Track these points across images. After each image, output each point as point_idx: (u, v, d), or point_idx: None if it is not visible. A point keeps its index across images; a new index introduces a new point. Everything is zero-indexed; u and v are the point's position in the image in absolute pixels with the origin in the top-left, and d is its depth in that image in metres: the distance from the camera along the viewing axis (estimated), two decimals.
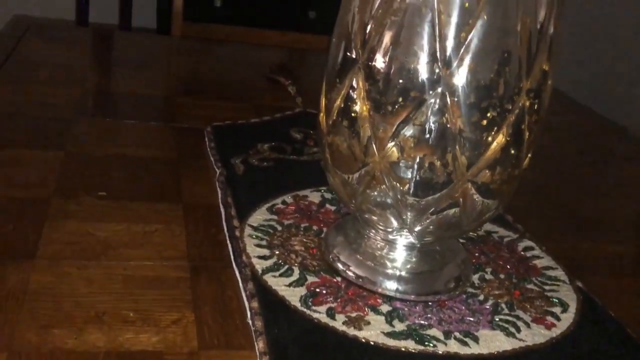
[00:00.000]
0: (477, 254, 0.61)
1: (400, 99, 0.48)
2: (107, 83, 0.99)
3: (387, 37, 0.48)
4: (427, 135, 0.48)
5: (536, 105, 0.49)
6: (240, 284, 0.51)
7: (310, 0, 2.48)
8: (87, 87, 0.94)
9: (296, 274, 0.53)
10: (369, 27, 0.49)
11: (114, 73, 1.04)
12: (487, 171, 0.49)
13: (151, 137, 0.80)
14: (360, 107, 0.50)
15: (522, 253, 0.63)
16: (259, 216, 0.62)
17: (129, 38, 1.31)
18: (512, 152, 0.49)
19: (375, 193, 0.51)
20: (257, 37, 1.50)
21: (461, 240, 0.62)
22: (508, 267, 0.60)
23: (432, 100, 0.47)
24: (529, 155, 0.51)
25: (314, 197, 0.67)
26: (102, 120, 0.82)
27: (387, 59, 0.48)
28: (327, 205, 0.66)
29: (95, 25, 1.23)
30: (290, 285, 0.52)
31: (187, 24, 1.43)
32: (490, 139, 0.48)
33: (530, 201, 0.76)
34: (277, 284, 0.52)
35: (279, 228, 0.60)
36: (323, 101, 0.54)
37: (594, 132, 1.11)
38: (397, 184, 0.50)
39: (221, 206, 0.63)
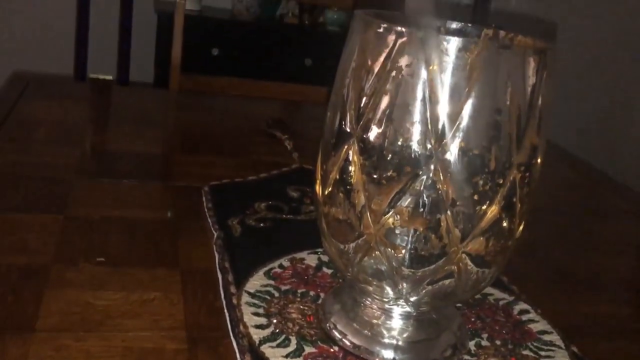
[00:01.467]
0: (473, 319, 0.62)
1: (395, 174, 0.49)
2: (105, 141, 1.00)
3: (380, 113, 0.49)
4: (421, 209, 0.49)
5: (527, 178, 0.50)
6: (238, 356, 0.52)
7: (306, 48, 2.53)
8: (86, 146, 0.95)
9: (293, 344, 0.54)
10: (362, 102, 0.51)
11: (112, 130, 1.05)
12: (481, 243, 0.50)
13: (149, 197, 0.81)
14: (355, 179, 0.51)
15: (517, 317, 0.63)
16: (256, 281, 0.63)
17: (126, 93, 1.33)
18: (505, 224, 0.50)
19: (371, 263, 0.52)
20: (255, 88, 1.52)
21: (457, 304, 0.63)
22: (504, 332, 0.60)
23: (426, 175, 0.48)
24: (522, 225, 0.52)
25: (311, 259, 0.68)
26: (100, 181, 0.83)
27: (380, 135, 0.49)
28: (324, 269, 0.67)
29: (94, 80, 1.25)
30: (287, 356, 0.52)
31: (185, 77, 1.45)
32: (483, 211, 0.49)
33: (524, 261, 0.77)
34: (275, 355, 0.52)
35: (276, 294, 0.61)
36: (319, 171, 0.55)
37: (586, 186, 1.12)
38: (393, 256, 0.50)
39: (218, 272, 0.64)
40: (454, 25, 0.60)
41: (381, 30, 0.48)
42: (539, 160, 0.51)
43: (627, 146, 3.17)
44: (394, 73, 0.48)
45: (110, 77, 1.77)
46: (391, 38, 0.48)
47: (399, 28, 0.47)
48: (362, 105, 0.50)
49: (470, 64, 0.46)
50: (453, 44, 0.46)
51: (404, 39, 0.47)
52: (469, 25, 0.59)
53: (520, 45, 0.53)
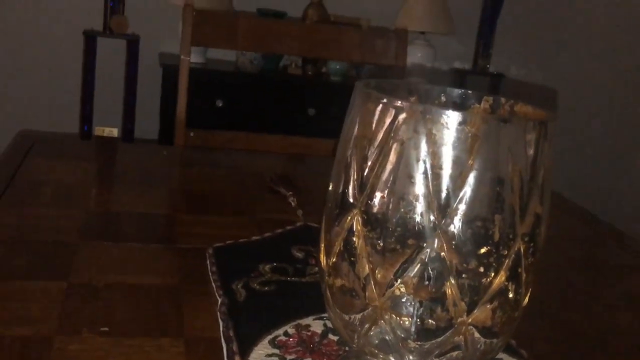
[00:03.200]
0: None
1: (399, 245, 0.49)
2: (109, 201, 1.00)
3: (382, 185, 0.49)
4: (426, 282, 0.48)
5: (532, 248, 0.50)
6: None
7: (309, 98, 2.55)
8: (91, 207, 0.95)
9: None
10: (365, 172, 0.51)
11: (116, 190, 1.06)
12: (487, 314, 0.49)
13: (153, 261, 0.80)
14: (359, 250, 0.51)
15: None
16: (261, 350, 0.62)
17: (131, 151, 1.34)
18: (511, 295, 0.50)
19: (378, 335, 0.51)
20: (259, 142, 1.53)
21: None
22: None
23: (430, 248, 0.48)
24: (528, 294, 0.52)
25: (317, 326, 0.67)
26: (105, 244, 0.83)
27: (384, 206, 0.49)
28: (330, 336, 0.66)
29: (99, 138, 1.26)
30: None
31: (189, 132, 1.46)
32: (488, 283, 0.49)
33: (533, 321, 0.76)
34: None
35: None
36: (323, 241, 0.55)
37: (591, 238, 1.11)
38: (399, 328, 0.50)
39: (223, 341, 0.63)
40: (455, 91, 0.60)
41: (381, 104, 0.49)
42: (543, 230, 0.51)
43: (627, 192, 3.17)
44: (395, 145, 0.48)
45: (115, 133, 1.79)
46: (391, 112, 0.48)
47: (399, 103, 0.47)
48: (364, 175, 0.51)
49: (471, 137, 0.46)
50: (453, 117, 0.46)
51: (404, 113, 0.47)
52: (469, 92, 0.59)
53: (521, 118, 0.54)
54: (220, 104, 2.46)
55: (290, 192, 1.07)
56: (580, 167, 3.11)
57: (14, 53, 2.69)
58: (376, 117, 0.50)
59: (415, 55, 2.63)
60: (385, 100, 0.48)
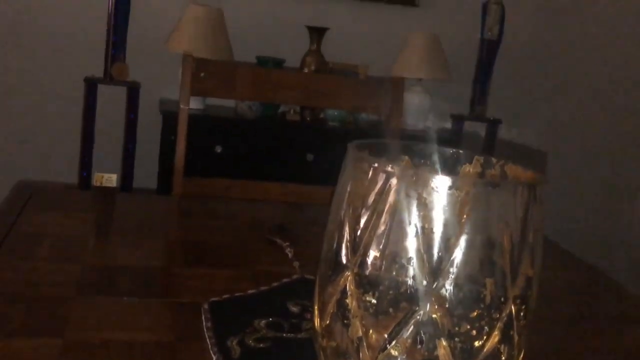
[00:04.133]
0: None
1: (391, 309, 0.49)
2: (107, 254, 1.00)
3: (375, 247, 0.50)
4: (419, 345, 0.48)
5: (523, 311, 0.50)
6: None
7: (307, 143, 2.57)
8: (88, 260, 0.95)
9: None
10: (358, 234, 0.52)
11: (114, 242, 1.06)
12: None
13: (149, 316, 0.80)
14: (352, 312, 0.51)
15: None
16: None
17: (130, 200, 1.35)
18: (504, 357, 0.50)
19: None
20: (257, 189, 1.54)
21: None
22: None
23: (422, 311, 0.48)
24: (521, 356, 0.52)
25: None
26: (101, 299, 0.83)
27: (376, 270, 0.50)
28: None
29: (97, 189, 1.27)
30: None
31: (188, 180, 1.47)
32: (481, 345, 0.49)
33: None
34: None
35: None
36: (317, 302, 0.55)
37: (588, 290, 1.11)
38: None
39: None
40: (447, 151, 0.61)
41: (372, 168, 0.50)
42: (534, 291, 0.51)
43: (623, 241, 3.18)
44: (387, 208, 0.49)
45: (113, 179, 1.80)
46: (383, 175, 0.49)
47: (390, 167, 0.48)
48: (357, 237, 0.51)
49: (461, 201, 0.47)
50: (443, 182, 0.47)
51: (396, 178, 0.48)
52: (460, 151, 0.60)
53: (510, 182, 0.55)
54: (219, 150, 2.48)
55: (287, 243, 1.08)
56: (576, 215, 3.12)
57: (15, 99, 2.72)
58: (368, 179, 0.51)
59: (413, 101, 2.66)
60: (376, 165, 0.49)
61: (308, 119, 2.66)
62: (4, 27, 2.66)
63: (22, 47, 2.69)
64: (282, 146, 2.55)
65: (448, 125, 2.84)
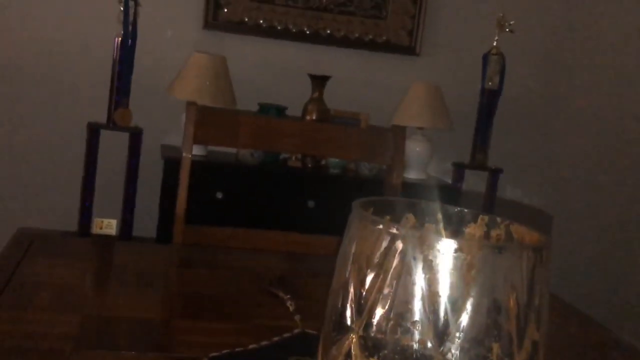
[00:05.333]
0: None
1: None
2: (105, 306, 0.99)
3: (380, 309, 0.49)
4: None
5: None
6: None
7: (308, 190, 2.58)
8: (86, 312, 0.94)
9: None
10: (362, 295, 0.51)
11: (113, 293, 1.05)
12: None
13: None
14: None
15: None
16: None
17: (129, 250, 1.34)
18: None
19: None
20: (258, 238, 1.53)
21: None
22: None
23: None
24: None
25: None
26: (99, 352, 0.82)
27: (381, 332, 0.49)
28: None
29: (97, 237, 1.27)
30: None
31: (188, 228, 1.46)
32: None
33: None
34: None
35: None
36: None
37: (591, 344, 1.10)
38: None
39: None
40: (451, 209, 0.61)
41: (377, 229, 0.50)
42: (540, 356, 0.50)
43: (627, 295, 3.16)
44: (392, 270, 0.49)
45: (113, 225, 1.80)
46: (388, 237, 0.49)
47: (395, 229, 0.48)
48: (362, 298, 0.51)
49: (467, 264, 0.47)
50: (449, 244, 0.47)
51: (401, 240, 0.48)
52: (465, 210, 0.60)
53: (516, 246, 0.54)
54: (220, 196, 2.48)
55: (289, 296, 1.07)
56: (579, 269, 3.10)
57: (16, 144, 2.73)
58: (374, 240, 0.50)
59: (414, 149, 2.67)
60: (381, 226, 0.49)
61: (310, 165, 2.67)
62: (7, 71, 2.69)
63: (25, 91, 2.71)
64: (284, 193, 2.55)
65: (449, 173, 2.85)
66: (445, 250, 0.47)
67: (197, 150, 2.54)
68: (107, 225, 2.07)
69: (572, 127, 3.15)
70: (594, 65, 3.13)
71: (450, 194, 2.69)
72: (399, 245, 0.48)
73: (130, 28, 2.50)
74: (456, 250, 0.47)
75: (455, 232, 0.58)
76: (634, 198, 3.19)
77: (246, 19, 2.83)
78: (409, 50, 2.96)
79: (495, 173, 2.78)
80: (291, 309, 1.03)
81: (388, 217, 0.58)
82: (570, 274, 2.98)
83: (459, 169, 2.78)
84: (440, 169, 2.93)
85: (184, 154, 1.51)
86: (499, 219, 0.58)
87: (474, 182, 2.87)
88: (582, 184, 3.16)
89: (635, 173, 3.17)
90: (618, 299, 3.13)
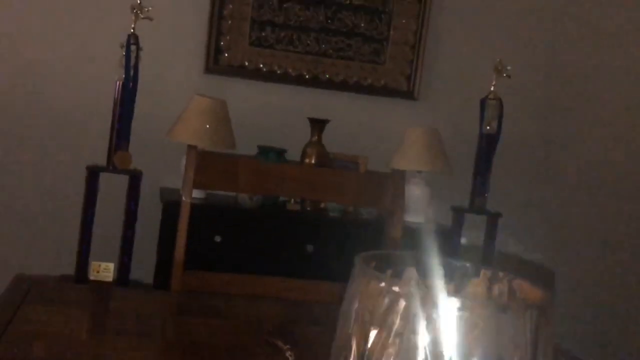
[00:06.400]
0: None
1: None
2: (102, 357, 0.98)
3: None
4: None
5: None
6: None
7: (307, 234, 2.57)
8: None
9: None
10: (366, 351, 0.50)
11: (109, 344, 1.04)
12: None
13: None
14: None
15: None
16: None
17: (126, 297, 1.32)
18: None
19: None
20: (256, 285, 1.52)
21: None
22: None
23: None
24: None
25: None
26: None
27: None
28: None
29: (94, 283, 1.26)
30: None
31: (187, 273, 1.46)
32: None
33: None
34: None
35: None
36: None
37: None
38: None
39: None
40: (453, 263, 0.61)
41: (380, 287, 0.49)
42: None
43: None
44: (395, 327, 0.48)
45: (111, 269, 1.79)
46: (391, 295, 0.49)
47: (397, 289, 0.48)
48: (365, 356, 0.50)
49: (471, 323, 0.46)
50: (452, 303, 0.47)
51: (404, 299, 0.48)
52: (467, 264, 0.60)
53: (519, 305, 0.54)
54: (219, 240, 2.47)
55: (288, 346, 1.05)
56: (586, 320, 3.08)
57: (14, 187, 2.73)
58: (376, 297, 0.50)
59: (413, 193, 2.68)
60: (383, 284, 0.49)
61: (309, 208, 2.67)
62: (7, 113, 2.70)
63: (25, 133, 2.72)
64: (282, 236, 2.54)
65: (448, 217, 2.84)
66: (449, 309, 0.46)
67: (196, 193, 2.53)
68: (105, 269, 2.05)
69: (571, 171, 3.16)
70: (591, 108, 3.16)
71: (450, 239, 2.69)
72: (402, 303, 0.48)
73: (131, 72, 2.52)
74: (460, 309, 0.46)
75: (457, 286, 0.58)
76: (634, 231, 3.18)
77: (246, 63, 2.86)
78: (407, 94, 2.98)
79: (494, 217, 2.78)
80: (290, 359, 1.02)
81: (390, 271, 0.57)
82: (573, 323, 2.95)
83: (458, 213, 2.77)
84: (440, 212, 2.92)
85: (183, 199, 1.51)
86: (501, 274, 0.58)
87: (474, 225, 2.87)
88: (581, 227, 3.15)
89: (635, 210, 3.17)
90: (621, 349, 3.10)
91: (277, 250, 2.52)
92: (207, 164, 1.54)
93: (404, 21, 2.95)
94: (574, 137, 3.15)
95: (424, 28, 2.96)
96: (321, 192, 1.66)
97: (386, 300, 0.49)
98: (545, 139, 3.12)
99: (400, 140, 2.76)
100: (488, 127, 2.75)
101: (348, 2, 2.91)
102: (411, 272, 0.57)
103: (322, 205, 2.71)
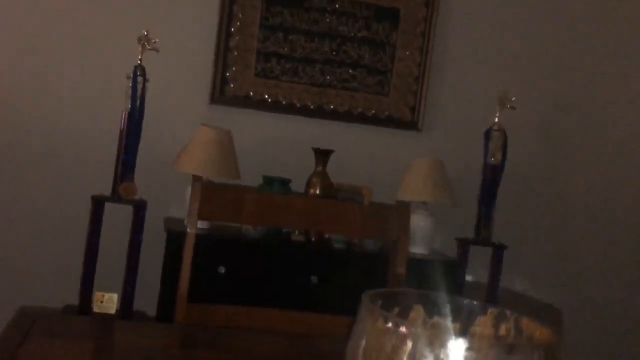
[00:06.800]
0: None
1: None
2: None
3: None
4: None
5: None
6: None
7: (312, 265, 2.56)
8: None
9: None
10: None
11: None
12: None
13: None
14: None
15: None
16: None
17: (130, 330, 1.32)
18: None
19: None
20: (261, 317, 1.51)
21: None
22: None
23: None
24: None
25: None
26: None
27: None
28: None
29: (97, 315, 1.26)
30: None
31: (190, 306, 1.45)
32: None
33: None
34: None
35: None
36: None
37: None
38: None
39: None
40: (460, 301, 0.60)
41: (387, 327, 0.49)
42: None
43: None
44: None
45: (114, 299, 1.78)
46: (397, 335, 0.48)
47: (404, 329, 0.48)
48: None
49: None
50: (460, 344, 0.46)
51: (411, 339, 0.47)
52: (474, 302, 0.60)
53: (526, 346, 0.54)
54: (223, 271, 2.46)
55: None
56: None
57: (21, 216, 2.74)
58: (383, 336, 0.50)
59: (418, 224, 2.67)
60: (390, 325, 0.49)
61: (313, 239, 2.67)
62: (13, 144, 2.72)
63: (30, 163, 2.74)
64: (287, 267, 2.54)
65: (453, 248, 2.83)
66: (456, 349, 0.46)
67: (200, 224, 2.53)
68: (108, 300, 2.04)
69: (575, 202, 3.16)
70: (596, 139, 3.16)
71: (454, 271, 2.67)
72: (409, 344, 0.47)
73: (138, 102, 2.54)
74: (467, 350, 0.46)
75: (464, 325, 0.58)
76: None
77: (252, 94, 2.88)
78: (412, 125, 3.00)
79: (499, 249, 2.77)
80: None
81: (397, 309, 0.57)
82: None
83: (464, 244, 2.77)
84: (445, 243, 2.91)
85: (188, 230, 1.51)
86: (508, 312, 0.57)
87: (479, 256, 2.85)
88: (587, 258, 3.14)
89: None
90: None
91: (281, 281, 2.51)
92: (211, 195, 1.54)
93: (407, 53, 2.98)
94: (579, 167, 3.15)
95: (427, 60, 2.98)
96: (326, 224, 1.65)
97: (393, 339, 0.48)
98: (550, 170, 3.13)
99: (404, 171, 2.76)
100: (492, 159, 2.76)
101: (352, 34, 2.94)
102: (418, 311, 0.57)
103: (327, 236, 2.71)
